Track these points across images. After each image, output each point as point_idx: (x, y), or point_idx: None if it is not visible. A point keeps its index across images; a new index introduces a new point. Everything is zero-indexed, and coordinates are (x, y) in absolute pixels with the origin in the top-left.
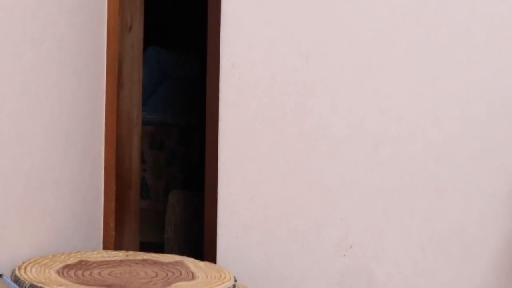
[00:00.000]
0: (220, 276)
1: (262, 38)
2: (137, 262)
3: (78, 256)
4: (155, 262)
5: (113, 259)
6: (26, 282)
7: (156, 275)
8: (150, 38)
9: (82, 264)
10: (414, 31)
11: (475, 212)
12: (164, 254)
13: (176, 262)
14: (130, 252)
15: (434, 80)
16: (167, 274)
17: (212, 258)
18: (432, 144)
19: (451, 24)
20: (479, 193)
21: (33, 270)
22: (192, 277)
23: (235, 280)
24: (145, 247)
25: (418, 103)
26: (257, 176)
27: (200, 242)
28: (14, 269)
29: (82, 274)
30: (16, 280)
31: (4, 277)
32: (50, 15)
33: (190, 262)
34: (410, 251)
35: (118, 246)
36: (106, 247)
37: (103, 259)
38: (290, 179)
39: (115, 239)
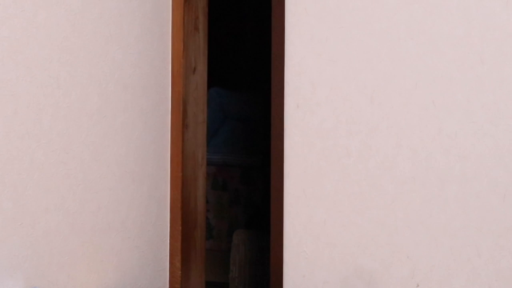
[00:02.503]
0: None
1: (326, 78)
2: None
3: None
4: None
5: None
6: None
7: None
8: (213, 79)
9: None
10: (478, 70)
11: None
12: None
13: None
14: None
15: (498, 118)
16: None
17: None
18: (498, 182)
19: None
20: None
21: None
22: None
23: None
24: (210, 287)
25: (483, 141)
26: (323, 215)
27: (265, 282)
28: None
29: None
30: None
31: None
32: (115, 59)
33: None
34: None
35: (184, 286)
36: (172, 286)
37: None
38: (355, 219)
39: (181, 279)
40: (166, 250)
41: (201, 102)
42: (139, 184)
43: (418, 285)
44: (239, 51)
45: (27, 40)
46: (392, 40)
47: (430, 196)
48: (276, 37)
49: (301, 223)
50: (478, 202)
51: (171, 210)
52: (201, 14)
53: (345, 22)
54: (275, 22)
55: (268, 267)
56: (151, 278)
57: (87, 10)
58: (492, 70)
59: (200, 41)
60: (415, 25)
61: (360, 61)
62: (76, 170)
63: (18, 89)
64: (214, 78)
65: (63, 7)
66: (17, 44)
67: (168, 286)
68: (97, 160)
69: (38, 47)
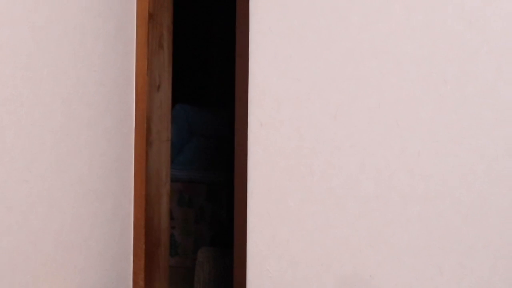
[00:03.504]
0: None
1: (290, 96)
2: None
3: None
4: None
5: None
6: None
7: None
8: (178, 96)
9: None
10: (441, 90)
11: (505, 269)
12: None
13: None
14: None
15: (461, 138)
16: None
17: None
18: (460, 201)
19: (478, 82)
20: (508, 250)
21: None
22: None
23: None
24: None
25: (446, 161)
26: (286, 234)
27: None
28: None
29: None
30: None
31: None
32: (80, 76)
33: None
34: None
35: None
36: None
37: None
38: (318, 237)
39: None
40: (130, 268)
41: (165, 120)
42: (102, 202)
43: None
44: (205, 68)
45: None
46: (355, 59)
47: (393, 215)
48: (240, 55)
49: (265, 242)
50: (440, 221)
51: (135, 228)
52: (166, 32)
53: (309, 41)
54: (239, 40)
55: (233, 286)
56: None
57: (50, 27)
58: (455, 90)
59: (165, 58)
60: (378, 44)
61: (324, 80)
62: (39, 189)
63: None
64: (180, 95)
65: (27, 24)
66: None
67: None
68: (60, 178)
69: (1, 65)
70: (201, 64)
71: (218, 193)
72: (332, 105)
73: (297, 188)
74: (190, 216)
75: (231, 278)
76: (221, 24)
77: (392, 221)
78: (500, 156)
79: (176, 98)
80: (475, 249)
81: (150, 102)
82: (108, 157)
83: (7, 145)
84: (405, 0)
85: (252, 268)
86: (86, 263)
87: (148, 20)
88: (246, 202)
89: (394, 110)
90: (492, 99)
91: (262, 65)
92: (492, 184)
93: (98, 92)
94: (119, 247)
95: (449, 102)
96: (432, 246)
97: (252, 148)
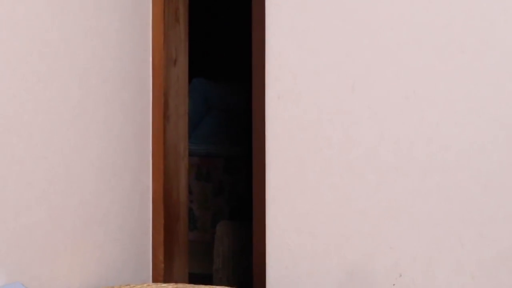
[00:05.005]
0: None
1: (307, 69)
2: None
3: None
4: None
5: None
6: None
7: None
8: (195, 70)
9: None
10: (459, 59)
11: None
12: (214, 287)
13: None
14: (180, 285)
15: (480, 107)
16: None
17: None
18: (480, 172)
19: (497, 51)
20: None
21: None
22: None
23: None
24: (193, 279)
25: (465, 131)
26: (305, 207)
27: (249, 273)
28: None
29: None
30: None
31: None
32: (96, 51)
33: None
34: (460, 279)
35: (167, 279)
36: (155, 279)
37: None
38: (337, 210)
39: (164, 271)
40: (149, 243)
41: (183, 94)
42: (120, 177)
43: (400, 275)
44: (221, 41)
45: (6, 34)
46: (372, 30)
47: (413, 186)
48: (256, 28)
49: (284, 215)
50: (460, 192)
51: (153, 203)
52: (182, 5)
53: (326, 13)
54: (255, 13)
55: (252, 259)
56: (134, 271)
57: (66, 2)
58: (473, 60)
59: (181, 32)
60: (395, 15)
61: (341, 52)
62: (57, 164)
63: None
64: (197, 69)
65: (42, 0)
66: None
67: (151, 279)
68: (78, 154)
69: (18, 41)
70: (217, 38)
71: (236, 166)
72: (349, 77)
73: (315, 160)
74: (208, 190)
75: (251, 251)
76: None
77: (412, 192)
78: None
79: (193, 72)
80: (495, 220)
81: (167, 76)
82: (125, 132)
83: (25, 122)
84: None
85: (271, 241)
86: (105, 238)
87: None
88: (265, 174)
89: (412, 81)
90: (511, 68)
91: (278, 37)
92: (511, 153)
93: (114, 67)
94: (138, 222)
95: (467, 72)
96: (452, 217)
97: (269, 121)
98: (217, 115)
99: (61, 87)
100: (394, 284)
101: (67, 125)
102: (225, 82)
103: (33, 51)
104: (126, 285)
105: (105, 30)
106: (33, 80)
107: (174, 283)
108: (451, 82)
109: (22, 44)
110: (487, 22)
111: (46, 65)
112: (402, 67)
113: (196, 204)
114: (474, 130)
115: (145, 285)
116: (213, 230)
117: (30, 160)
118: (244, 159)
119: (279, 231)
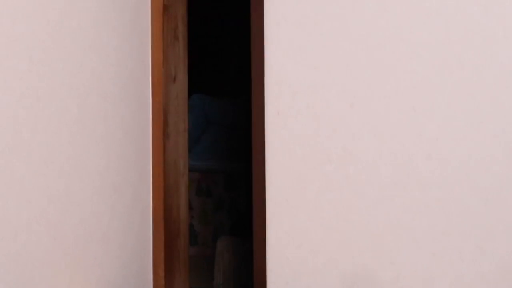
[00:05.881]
0: None
1: (306, 85)
2: None
3: None
4: None
5: None
6: None
7: None
8: (195, 86)
9: None
10: (458, 74)
11: None
12: None
13: None
14: None
15: (478, 122)
16: None
17: None
18: (479, 186)
19: (494, 66)
20: None
21: None
22: None
23: None
24: None
25: (464, 146)
26: (305, 222)
27: None
28: None
29: None
30: None
31: None
32: (95, 69)
33: None
34: None
35: None
36: None
37: None
38: (337, 225)
39: (165, 287)
40: (149, 260)
41: (182, 111)
42: (120, 194)
43: None
44: (221, 58)
45: (5, 52)
46: (370, 46)
47: (412, 201)
48: (256, 46)
49: (284, 230)
50: (459, 206)
51: (154, 219)
52: (181, 23)
53: (324, 29)
54: (254, 30)
55: (252, 274)
56: None
57: (65, 21)
58: (472, 74)
59: (180, 50)
60: (393, 30)
61: (339, 67)
62: (56, 182)
63: None
64: (197, 85)
65: (42, 20)
66: None
67: None
68: (77, 172)
69: (17, 60)
70: (217, 54)
71: (236, 182)
72: (348, 93)
73: (315, 175)
74: (208, 206)
75: (251, 267)
76: (236, 14)
77: (411, 206)
78: None
79: (192, 89)
80: (494, 234)
81: (166, 93)
82: (125, 149)
83: (24, 140)
84: None
85: (272, 257)
86: (106, 255)
87: (162, 12)
88: (265, 190)
89: (411, 96)
90: (510, 83)
91: (277, 54)
92: (510, 167)
93: (114, 84)
94: (139, 239)
95: (466, 87)
96: (451, 231)
97: (269, 137)
98: (217, 131)
99: (60, 105)
100: None
101: (66, 143)
102: (225, 98)
103: (31, 70)
104: None
105: (104, 48)
106: (32, 99)
107: None
108: (449, 97)
109: (21, 63)
110: (485, 37)
111: (45, 84)
112: (400, 82)
113: (196, 220)
114: (473, 144)
115: None
116: (213, 245)
117: (30, 178)
118: (244, 174)
119: (279, 246)
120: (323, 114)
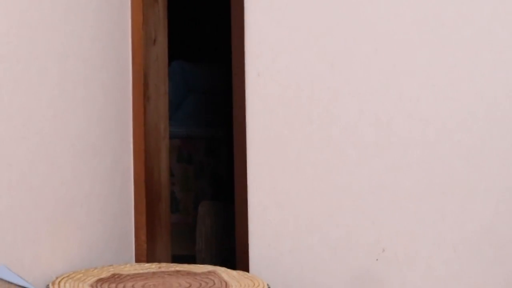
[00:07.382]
0: (254, 284)
1: (286, 46)
2: (170, 273)
3: (111, 269)
4: (188, 273)
5: (146, 271)
6: None
7: (190, 286)
8: (174, 52)
9: (115, 278)
10: (438, 33)
11: (507, 212)
12: (197, 265)
13: (209, 272)
14: (163, 264)
15: (459, 81)
16: (200, 284)
17: (245, 267)
18: (461, 145)
19: (475, 24)
20: (510, 193)
21: (67, 285)
22: (226, 286)
23: None
24: (177, 260)
25: (445, 104)
26: (287, 184)
27: (231, 253)
28: (48, 285)
29: (116, 287)
30: None
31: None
32: (74, 31)
33: (223, 272)
34: (442, 253)
35: (150, 259)
36: (138, 260)
37: (136, 271)
38: (319, 186)
39: (147, 252)
40: (131, 223)
41: (162, 74)
42: (101, 157)
43: (383, 250)
44: (200, 22)
45: None
46: (351, 5)
47: (393, 161)
48: (235, 6)
49: (266, 193)
50: (441, 166)
51: (135, 183)
52: None
53: None
54: None
55: (234, 238)
56: (116, 252)
57: None
58: (452, 32)
59: (160, 12)
60: None
61: (320, 28)
62: (37, 145)
63: None
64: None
65: None
66: None
67: (134, 259)
68: (58, 135)
69: None
70: (196, 18)
71: (218, 148)
72: (329, 53)
73: (296, 137)
74: (190, 173)
75: (233, 231)
76: None
77: (393, 167)
78: (499, 98)
79: (172, 54)
80: (476, 193)
81: (146, 56)
82: (106, 112)
83: (4, 103)
84: None
85: (254, 220)
86: (87, 219)
87: None
88: (246, 152)
89: (391, 55)
90: (490, 41)
91: (257, 15)
92: (492, 126)
93: (93, 47)
94: (120, 203)
95: (446, 45)
96: (433, 191)
97: (250, 99)
98: (197, 97)
99: (40, 67)
100: (377, 259)
101: (46, 106)
102: (205, 64)
103: (10, 32)
104: (109, 266)
105: (83, 9)
106: (12, 61)
107: (157, 263)
108: (430, 55)
109: (0, 25)
110: None
111: (25, 46)
112: (381, 41)
113: (178, 187)
114: (454, 103)
115: (128, 265)
116: (195, 213)
117: (10, 141)
118: (225, 140)
119: (261, 209)
120: (304, 74)
